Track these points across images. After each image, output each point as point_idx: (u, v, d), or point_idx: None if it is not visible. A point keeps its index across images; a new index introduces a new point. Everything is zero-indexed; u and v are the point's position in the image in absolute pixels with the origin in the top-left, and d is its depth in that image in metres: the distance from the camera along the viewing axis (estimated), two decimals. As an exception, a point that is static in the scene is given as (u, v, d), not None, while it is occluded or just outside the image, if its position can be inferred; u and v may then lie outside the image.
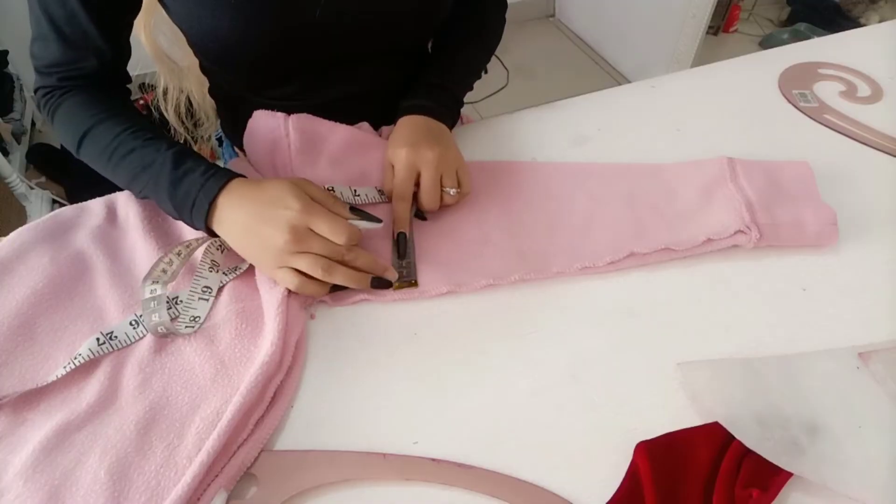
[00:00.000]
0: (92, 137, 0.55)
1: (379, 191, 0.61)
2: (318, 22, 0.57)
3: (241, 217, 0.50)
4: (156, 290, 0.50)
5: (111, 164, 0.54)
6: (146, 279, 0.50)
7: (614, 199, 0.60)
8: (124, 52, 0.60)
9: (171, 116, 0.81)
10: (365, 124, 0.66)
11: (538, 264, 0.54)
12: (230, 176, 0.51)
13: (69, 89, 0.57)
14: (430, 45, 0.73)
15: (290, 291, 0.50)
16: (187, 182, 0.51)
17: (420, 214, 0.59)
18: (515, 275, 0.53)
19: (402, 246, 0.55)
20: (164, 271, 0.51)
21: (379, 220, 0.53)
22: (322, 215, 0.49)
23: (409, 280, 0.53)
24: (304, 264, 0.48)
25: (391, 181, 0.58)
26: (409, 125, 0.61)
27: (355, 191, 0.59)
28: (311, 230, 0.49)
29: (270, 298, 0.50)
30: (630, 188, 0.61)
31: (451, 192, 0.57)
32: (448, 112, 0.64)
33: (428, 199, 0.57)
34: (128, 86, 0.63)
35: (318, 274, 0.48)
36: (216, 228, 0.51)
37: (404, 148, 0.57)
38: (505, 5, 0.74)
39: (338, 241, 0.48)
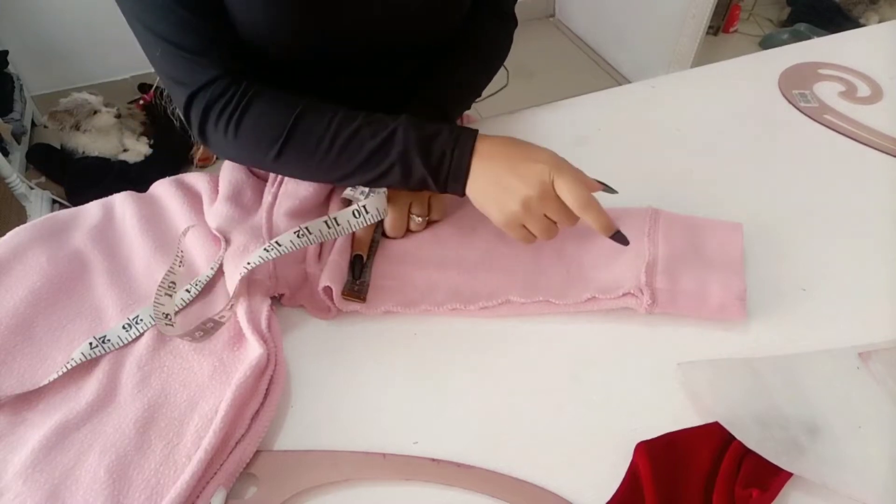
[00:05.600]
0: (302, 130, 0.52)
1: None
2: (341, 18, 0.56)
3: (492, 170, 0.50)
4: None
5: (334, 150, 0.51)
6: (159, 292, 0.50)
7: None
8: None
9: (173, 114, 0.81)
10: None
11: (451, 297, 0.52)
12: (475, 131, 0.52)
13: (247, 91, 0.52)
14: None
15: (248, 281, 0.51)
16: (438, 144, 0.51)
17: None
18: (447, 305, 0.52)
19: (356, 268, 0.54)
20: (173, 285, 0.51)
21: (615, 191, 0.52)
22: (570, 174, 0.49)
23: (359, 295, 0.52)
24: (537, 227, 0.50)
25: None
26: None
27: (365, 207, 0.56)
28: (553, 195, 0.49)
29: (233, 289, 0.50)
30: None
31: (418, 221, 0.57)
32: None
33: (391, 227, 0.57)
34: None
35: (545, 237, 0.51)
36: (470, 184, 0.51)
37: None
38: (514, 25, 0.71)
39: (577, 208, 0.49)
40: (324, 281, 0.50)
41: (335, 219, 0.52)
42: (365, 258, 0.55)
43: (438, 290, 0.53)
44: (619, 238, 0.51)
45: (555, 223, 0.51)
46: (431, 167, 0.51)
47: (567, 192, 0.48)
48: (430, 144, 0.50)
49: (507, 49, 0.72)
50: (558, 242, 0.56)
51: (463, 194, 0.52)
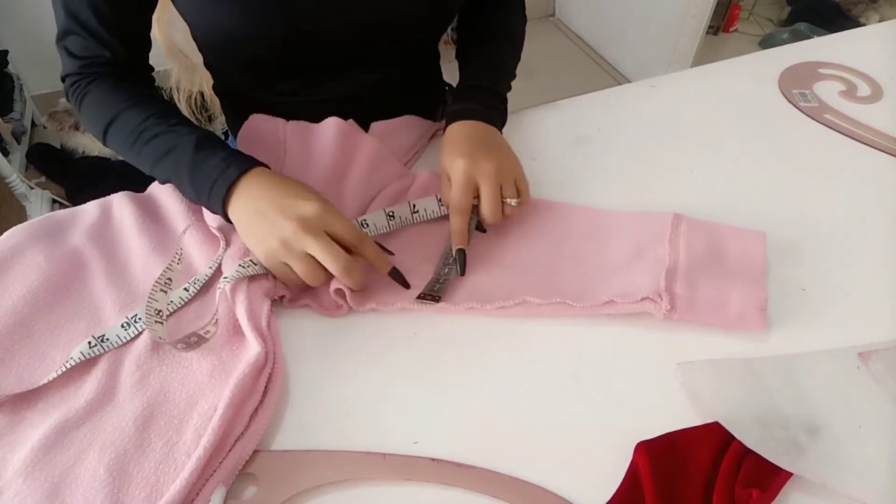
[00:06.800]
0: (118, 124, 0.56)
1: (438, 200, 0.59)
2: (322, 22, 0.57)
3: (255, 203, 0.50)
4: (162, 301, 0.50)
5: (135, 149, 0.55)
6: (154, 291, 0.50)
7: (542, 241, 0.57)
8: (140, 45, 0.61)
9: (182, 108, 0.81)
10: (351, 121, 0.65)
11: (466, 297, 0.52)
12: (251, 164, 0.52)
13: (94, 77, 0.58)
14: (456, 50, 0.71)
15: (249, 280, 0.50)
16: (207, 166, 0.52)
17: (480, 227, 0.56)
18: (464, 304, 0.51)
19: (461, 262, 0.52)
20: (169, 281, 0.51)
21: (391, 253, 0.54)
22: (337, 219, 0.49)
23: (434, 295, 0.51)
24: (300, 268, 0.49)
25: (449, 193, 0.56)
26: (461, 133, 0.59)
27: (414, 205, 0.57)
28: (320, 231, 0.48)
29: (234, 291, 0.50)
30: (564, 232, 0.57)
31: (512, 203, 0.55)
32: (496, 113, 0.63)
33: (490, 211, 0.54)
34: (152, 74, 0.64)
35: (309, 282, 0.50)
36: (230, 213, 0.51)
37: (461, 159, 0.54)
38: (523, 6, 0.73)
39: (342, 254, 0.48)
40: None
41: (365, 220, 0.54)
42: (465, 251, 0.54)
43: (456, 288, 0.53)
44: (398, 277, 0.52)
45: (320, 266, 0.49)
46: (196, 191, 0.53)
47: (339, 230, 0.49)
48: (199, 169, 0.52)
49: (523, 26, 0.73)
50: (577, 246, 0.55)
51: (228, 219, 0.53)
